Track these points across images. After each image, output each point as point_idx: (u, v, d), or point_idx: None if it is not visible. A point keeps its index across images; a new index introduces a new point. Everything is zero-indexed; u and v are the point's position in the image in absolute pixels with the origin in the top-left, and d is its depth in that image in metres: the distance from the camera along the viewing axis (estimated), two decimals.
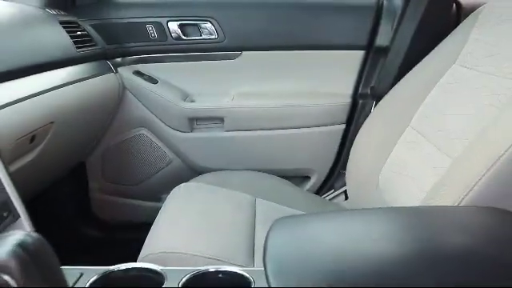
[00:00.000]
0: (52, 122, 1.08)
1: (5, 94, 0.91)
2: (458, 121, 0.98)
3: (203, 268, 0.67)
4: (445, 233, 0.60)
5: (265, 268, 0.50)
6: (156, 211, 1.23)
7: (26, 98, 0.97)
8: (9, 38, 1.06)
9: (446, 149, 0.96)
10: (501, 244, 0.56)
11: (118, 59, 1.57)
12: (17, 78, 0.99)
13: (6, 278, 0.42)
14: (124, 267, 0.69)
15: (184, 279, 0.65)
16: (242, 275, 0.66)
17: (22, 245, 0.44)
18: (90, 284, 0.64)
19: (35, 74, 1.07)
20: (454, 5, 1.46)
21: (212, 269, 0.67)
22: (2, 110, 0.88)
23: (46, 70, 1.12)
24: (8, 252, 0.43)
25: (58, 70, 1.18)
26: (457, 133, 0.95)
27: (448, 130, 1.00)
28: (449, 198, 0.78)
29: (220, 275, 0.67)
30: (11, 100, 0.92)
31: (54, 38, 1.26)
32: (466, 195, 0.75)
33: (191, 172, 1.62)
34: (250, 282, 0.64)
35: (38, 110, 1.03)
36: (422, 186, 0.94)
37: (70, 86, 1.19)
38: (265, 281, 0.52)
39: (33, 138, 1.02)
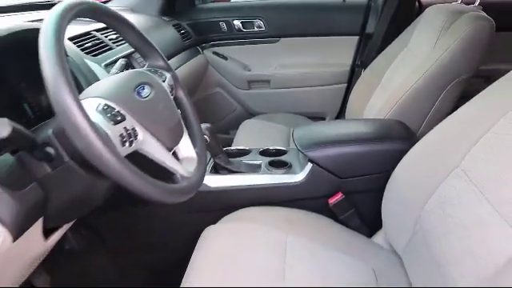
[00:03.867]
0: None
1: None
2: (397, 79, 1.65)
3: (266, 147, 1.45)
4: (369, 126, 1.37)
5: (294, 143, 1.28)
6: (226, 140, 1.92)
7: None
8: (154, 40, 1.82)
9: (388, 91, 1.65)
10: (381, 133, 1.32)
11: (203, 45, 2.30)
12: None
13: (205, 136, 1.21)
14: (231, 148, 1.49)
15: (259, 150, 1.44)
16: (281, 149, 1.43)
17: (207, 126, 1.23)
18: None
19: (169, 60, 1.83)
20: (417, 3, 2.10)
21: (271, 147, 1.45)
22: None
23: (172, 57, 1.87)
24: (204, 128, 1.22)
25: (178, 55, 1.93)
26: (394, 85, 1.63)
27: (393, 84, 1.66)
28: (381, 115, 1.51)
29: (274, 150, 1.44)
30: None
31: (172, 36, 1.99)
32: (387, 114, 1.48)
33: (248, 115, 2.34)
34: (286, 151, 1.41)
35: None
36: (373, 112, 1.66)
37: (185, 64, 1.97)
38: (294, 153, 1.30)
39: None
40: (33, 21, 1.14)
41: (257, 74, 2.31)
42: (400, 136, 1.26)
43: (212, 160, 1.32)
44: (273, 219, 1.19)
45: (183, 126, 0.88)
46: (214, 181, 1.27)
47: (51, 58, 0.61)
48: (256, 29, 2.28)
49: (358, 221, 1.25)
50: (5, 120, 0.60)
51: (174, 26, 2.08)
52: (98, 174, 0.74)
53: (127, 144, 0.70)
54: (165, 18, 2.10)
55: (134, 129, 0.71)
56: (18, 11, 1.34)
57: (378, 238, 1.24)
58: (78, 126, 0.60)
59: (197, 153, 0.90)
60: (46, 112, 0.71)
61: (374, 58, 1.95)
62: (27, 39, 0.86)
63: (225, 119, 2.42)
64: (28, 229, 0.74)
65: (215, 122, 2.43)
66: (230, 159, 1.33)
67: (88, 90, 0.74)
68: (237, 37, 2.31)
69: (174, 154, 0.84)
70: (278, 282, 0.96)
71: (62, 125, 0.68)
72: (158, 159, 0.76)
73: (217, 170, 1.31)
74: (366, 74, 1.99)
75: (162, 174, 0.79)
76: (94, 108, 0.68)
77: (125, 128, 0.69)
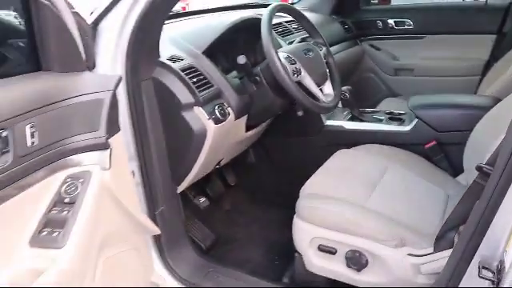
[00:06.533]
0: None
1: None
2: None
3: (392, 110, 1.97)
4: (465, 98, 1.79)
5: (408, 106, 1.79)
6: None
7: None
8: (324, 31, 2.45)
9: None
10: (471, 102, 1.73)
11: (361, 38, 2.83)
12: None
13: (346, 94, 1.80)
14: (366, 109, 2.04)
15: (385, 111, 1.96)
16: (401, 112, 1.93)
17: (349, 88, 1.82)
18: None
19: (333, 46, 2.44)
20: None
21: (395, 110, 1.97)
22: None
23: (335, 45, 2.46)
24: (345, 89, 1.81)
25: (340, 44, 2.49)
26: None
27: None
28: (488, 92, 1.88)
29: (397, 113, 1.96)
30: None
31: (337, 29, 2.57)
32: (490, 91, 1.86)
33: (393, 97, 2.74)
34: (405, 113, 1.91)
35: None
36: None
37: (345, 51, 2.54)
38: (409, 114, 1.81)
39: None
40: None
41: (403, 64, 2.75)
42: (486, 106, 1.65)
43: (349, 111, 1.90)
44: (384, 152, 1.70)
45: (328, 76, 1.49)
46: (349, 125, 1.85)
47: (266, 33, 1.29)
48: (406, 27, 2.72)
49: (446, 163, 1.70)
50: (243, 56, 1.30)
51: (339, 22, 2.67)
52: (279, 94, 1.41)
53: (295, 76, 1.35)
54: (334, 17, 2.70)
55: (300, 69, 1.36)
56: (241, 9, 2.14)
57: (461, 178, 1.66)
58: (276, 63, 1.26)
59: (334, 93, 1.51)
60: (252, 62, 1.39)
61: (505, 53, 2.18)
62: (247, 24, 1.58)
63: (373, 99, 2.81)
64: (240, 117, 1.45)
65: (366, 100, 2.83)
66: (363, 114, 1.89)
67: (280, 49, 1.41)
68: (389, 33, 2.78)
69: (321, 90, 1.46)
70: (370, 188, 1.45)
71: (266, 65, 1.36)
72: (311, 89, 1.40)
73: (352, 118, 1.88)
74: (497, 65, 2.24)
75: (312, 98, 1.42)
76: (282, 57, 1.35)
77: (295, 67, 1.35)
